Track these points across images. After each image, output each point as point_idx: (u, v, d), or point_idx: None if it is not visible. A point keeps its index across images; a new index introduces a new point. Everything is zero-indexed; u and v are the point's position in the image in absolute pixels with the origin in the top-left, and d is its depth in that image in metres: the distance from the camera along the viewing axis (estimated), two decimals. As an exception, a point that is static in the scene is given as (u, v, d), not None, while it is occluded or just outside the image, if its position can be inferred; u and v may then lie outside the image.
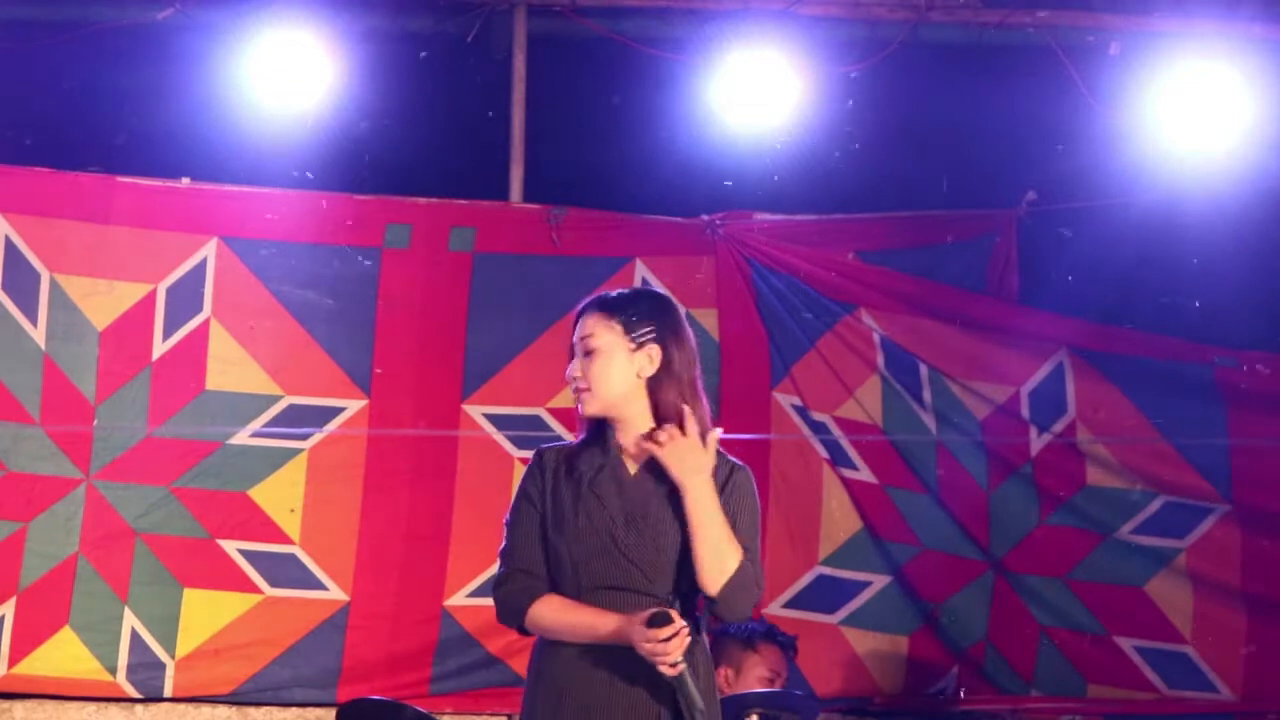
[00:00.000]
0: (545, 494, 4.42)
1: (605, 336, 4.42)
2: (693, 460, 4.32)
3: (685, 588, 4.38)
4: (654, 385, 4.42)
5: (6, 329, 6.86)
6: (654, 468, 4.40)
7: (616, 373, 4.40)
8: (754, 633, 6.21)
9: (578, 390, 4.43)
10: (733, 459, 4.47)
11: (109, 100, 7.01)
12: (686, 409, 4.37)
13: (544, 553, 4.42)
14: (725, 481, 4.41)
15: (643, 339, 4.42)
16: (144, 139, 7.04)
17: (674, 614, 4.20)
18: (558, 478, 4.42)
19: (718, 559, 4.31)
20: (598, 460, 4.41)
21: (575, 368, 4.43)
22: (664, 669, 4.21)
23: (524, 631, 4.44)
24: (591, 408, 4.42)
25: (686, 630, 4.21)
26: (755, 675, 6.17)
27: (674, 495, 4.37)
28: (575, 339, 4.46)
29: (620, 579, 4.34)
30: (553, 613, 4.37)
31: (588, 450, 4.44)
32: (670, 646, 4.18)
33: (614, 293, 4.55)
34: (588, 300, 4.51)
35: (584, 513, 4.36)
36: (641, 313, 4.45)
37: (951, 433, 7.17)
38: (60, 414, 6.83)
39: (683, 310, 4.62)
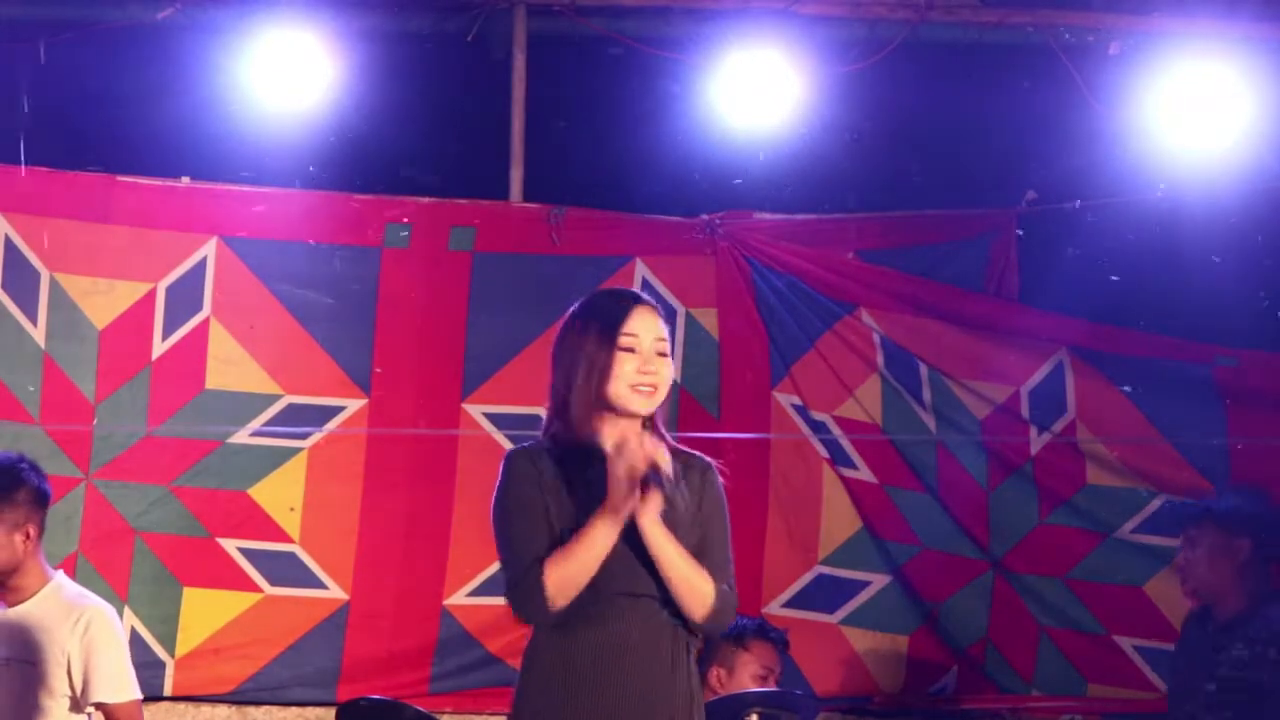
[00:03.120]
0: (547, 496, 4.32)
1: (668, 345, 4.43)
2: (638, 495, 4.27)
3: None
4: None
5: (6, 328, 6.86)
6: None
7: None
8: (745, 630, 6.18)
9: (651, 386, 4.37)
10: (695, 453, 4.45)
11: (109, 100, 7.01)
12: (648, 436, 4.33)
13: (554, 543, 4.30)
14: (700, 487, 4.40)
15: (670, 354, 4.45)
16: (144, 139, 7.04)
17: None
18: (557, 482, 4.33)
19: (694, 585, 4.29)
20: (596, 466, 4.37)
21: (653, 363, 4.37)
22: (641, 465, 4.19)
23: (549, 616, 4.28)
24: (652, 406, 4.37)
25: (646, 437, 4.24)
26: (748, 673, 6.15)
27: (670, 496, 4.35)
28: (649, 335, 4.37)
29: (640, 586, 4.29)
30: (558, 566, 4.24)
31: (579, 454, 4.35)
32: (634, 444, 4.20)
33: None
34: (641, 296, 4.47)
35: (582, 520, 4.33)
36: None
37: (951, 432, 7.17)
38: (60, 413, 6.83)
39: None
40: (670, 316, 6.92)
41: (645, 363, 4.35)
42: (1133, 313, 7.39)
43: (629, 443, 4.22)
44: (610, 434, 4.33)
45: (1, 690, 5.57)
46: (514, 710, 4.38)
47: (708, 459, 4.46)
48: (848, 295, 7.21)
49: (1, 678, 5.57)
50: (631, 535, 4.29)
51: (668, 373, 4.38)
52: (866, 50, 7.14)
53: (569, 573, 4.24)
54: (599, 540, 4.23)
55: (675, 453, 4.39)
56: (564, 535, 4.29)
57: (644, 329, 4.38)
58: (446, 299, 7.07)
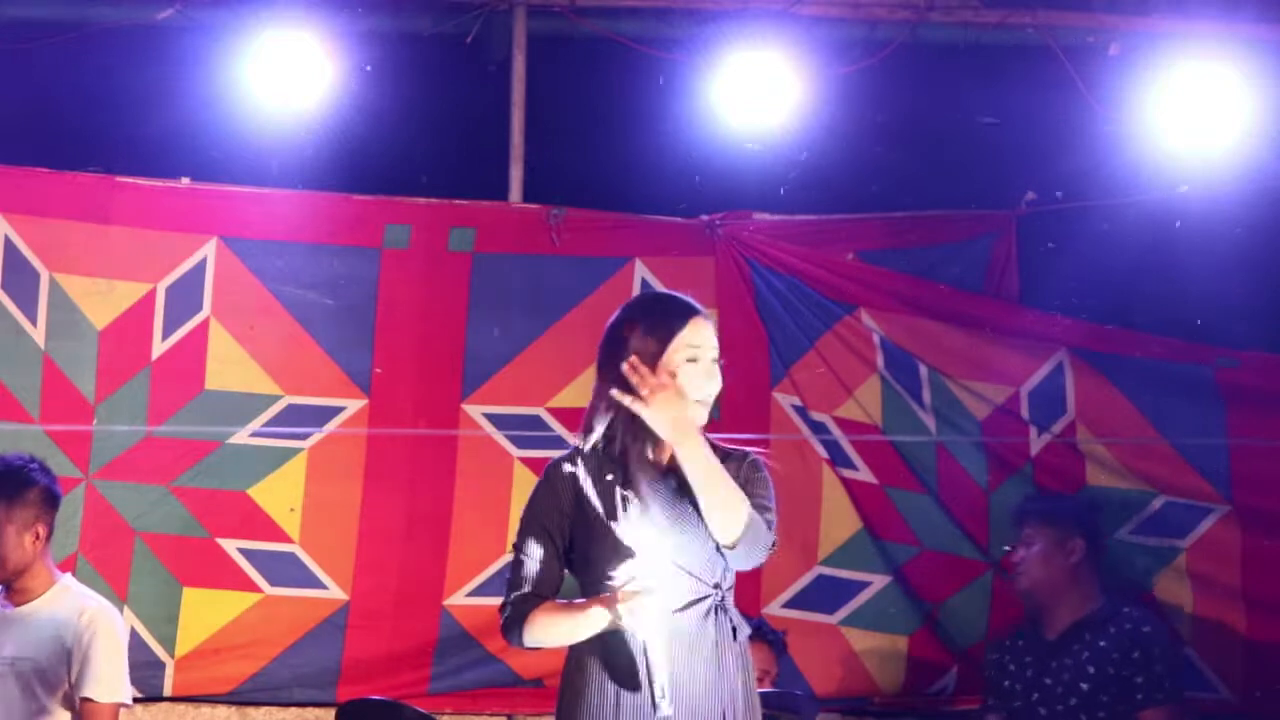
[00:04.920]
0: (566, 511, 4.42)
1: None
2: (679, 414, 4.29)
3: (729, 579, 4.43)
4: None
5: (6, 329, 6.87)
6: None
7: None
8: None
9: (707, 400, 4.42)
10: (743, 449, 4.49)
11: (109, 100, 7.01)
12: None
13: (555, 575, 4.44)
14: (740, 471, 4.43)
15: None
16: (144, 139, 7.04)
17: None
18: (585, 488, 4.41)
19: (728, 509, 4.30)
20: (630, 465, 4.41)
21: (714, 377, 4.42)
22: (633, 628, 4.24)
23: (527, 648, 4.49)
24: (704, 422, 4.42)
25: (662, 599, 4.24)
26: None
27: None
28: (708, 349, 4.42)
29: (683, 588, 4.34)
30: (541, 620, 4.40)
31: (610, 452, 4.43)
32: (647, 603, 4.23)
33: None
34: (699, 307, 4.48)
35: (624, 519, 4.37)
36: None
37: (951, 433, 7.17)
38: (60, 413, 6.83)
39: None
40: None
41: (708, 378, 4.39)
42: (1133, 313, 7.39)
43: (640, 607, 4.25)
44: (638, 434, 4.37)
45: (8, 690, 5.57)
46: (561, 699, 4.46)
47: (748, 451, 4.49)
48: (847, 296, 7.21)
49: (7, 677, 5.57)
50: (660, 531, 4.32)
51: (719, 385, 4.44)
52: (866, 51, 7.14)
53: (547, 637, 4.41)
54: (584, 630, 4.34)
55: (722, 452, 4.45)
56: (579, 543, 4.41)
57: (705, 341, 4.42)
58: (446, 299, 7.07)
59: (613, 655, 4.35)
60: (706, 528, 4.34)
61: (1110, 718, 6.51)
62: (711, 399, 4.41)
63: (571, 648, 4.45)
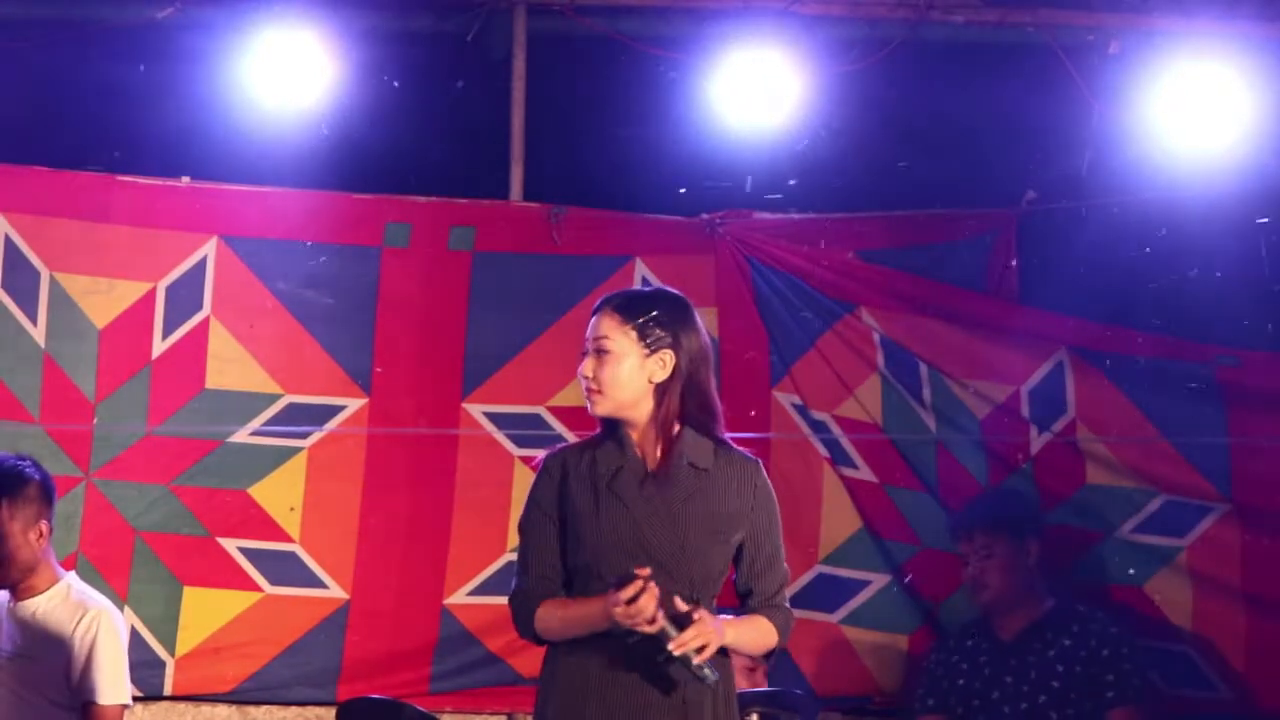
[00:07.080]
0: (558, 499, 4.44)
1: (619, 340, 4.43)
2: (715, 634, 4.33)
3: (709, 585, 4.43)
4: (662, 390, 4.44)
5: (6, 328, 6.87)
6: (673, 466, 4.42)
7: (627, 377, 4.42)
8: None
9: (588, 390, 4.44)
10: (742, 451, 4.50)
11: (109, 100, 7.01)
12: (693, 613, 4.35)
13: (558, 560, 4.45)
14: (751, 489, 4.49)
15: (656, 345, 4.44)
16: (144, 138, 7.04)
17: (639, 575, 4.23)
18: (571, 480, 4.44)
19: (765, 644, 4.55)
20: (615, 460, 4.43)
21: (587, 367, 4.43)
22: (644, 628, 4.22)
23: (541, 642, 4.48)
24: (601, 408, 4.45)
25: (653, 587, 4.22)
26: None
27: (695, 493, 4.40)
28: (589, 337, 4.46)
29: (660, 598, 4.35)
30: (551, 615, 4.40)
31: (603, 449, 4.45)
32: (640, 604, 4.20)
33: (631, 292, 4.57)
34: (604, 298, 4.54)
35: (605, 514, 4.38)
36: (657, 318, 4.46)
37: (951, 432, 7.17)
38: (60, 413, 6.83)
39: (696, 311, 4.61)
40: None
41: (584, 368, 4.45)
42: (1133, 312, 7.39)
43: (637, 611, 4.23)
44: (628, 431, 4.43)
45: (5, 686, 5.56)
46: (536, 716, 4.48)
47: (753, 457, 4.51)
48: (848, 294, 7.21)
49: (6, 673, 5.57)
50: (639, 529, 4.34)
51: (606, 372, 4.43)
52: (866, 50, 7.14)
53: (557, 628, 4.42)
54: (592, 624, 4.34)
55: (719, 450, 4.48)
56: (563, 538, 4.41)
57: (590, 332, 4.48)
58: (446, 299, 7.07)
59: (584, 659, 4.37)
60: (684, 529, 4.37)
61: (1079, 715, 6.54)
62: (593, 390, 4.44)
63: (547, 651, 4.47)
